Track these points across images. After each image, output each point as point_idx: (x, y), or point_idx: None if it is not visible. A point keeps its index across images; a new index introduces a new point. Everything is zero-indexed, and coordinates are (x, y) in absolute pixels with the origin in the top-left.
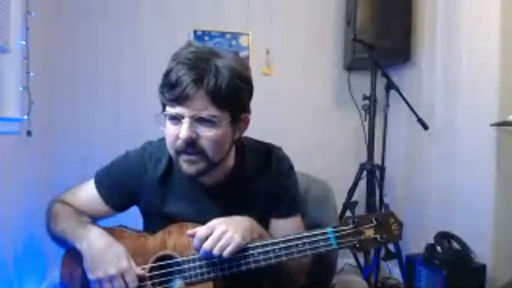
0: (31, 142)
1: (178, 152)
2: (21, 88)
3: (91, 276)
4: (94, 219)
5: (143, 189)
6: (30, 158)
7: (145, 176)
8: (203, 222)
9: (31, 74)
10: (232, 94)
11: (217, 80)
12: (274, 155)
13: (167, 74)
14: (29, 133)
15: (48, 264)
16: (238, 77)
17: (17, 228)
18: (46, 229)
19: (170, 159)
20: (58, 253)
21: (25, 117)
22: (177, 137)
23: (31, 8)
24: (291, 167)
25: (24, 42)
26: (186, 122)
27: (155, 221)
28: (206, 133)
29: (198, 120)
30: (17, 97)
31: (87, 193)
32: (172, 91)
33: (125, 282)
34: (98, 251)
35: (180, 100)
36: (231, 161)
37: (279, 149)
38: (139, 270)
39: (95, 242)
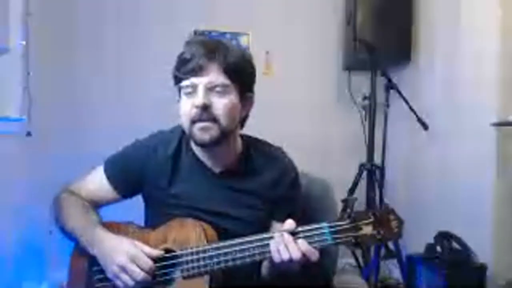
0: (31, 142)
1: (193, 122)
2: (21, 88)
3: (109, 274)
4: (101, 204)
5: (151, 169)
6: (30, 158)
7: (154, 155)
8: (207, 208)
9: (31, 74)
10: (241, 68)
11: (228, 54)
12: (280, 156)
13: (181, 54)
14: (29, 133)
15: (48, 264)
16: (245, 57)
17: (17, 228)
18: (54, 220)
19: (180, 143)
20: (58, 253)
21: (25, 117)
22: (192, 107)
23: (31, 8)
24: (296, 175)
25: (24, 42)
26: (200, 90)
27: (158, 208)
28: (219, 100)
29: (211, 89)
30: (17, 97)
31: (96, 178)
32: (187, 64)
33: (139, 266)
34: (107, 249)
35: (194, 71)
36: (238, 146)
37: (286, 155)
38: (150, 250)
39: (103, 243)
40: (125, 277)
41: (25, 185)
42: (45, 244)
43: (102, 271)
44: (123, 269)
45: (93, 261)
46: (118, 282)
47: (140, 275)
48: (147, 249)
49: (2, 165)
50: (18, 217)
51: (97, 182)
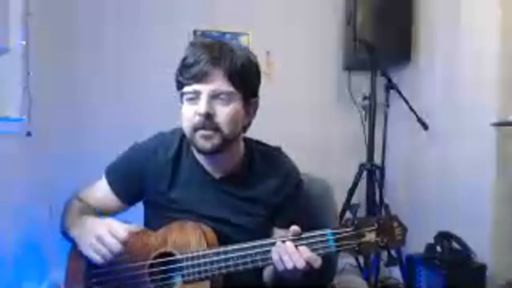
0: (31, 142)
1: (196, 129)
2: (21, 88)
3: (85, 252)
4: (108, 215)
5: (151, 171)
6: (30, 158)
7: (154, 157)
8: (206, 214)
9: (31, 74)
10: (246, 73)
11: (233, 59)
12: (283, 160)
13: (185, 58)
14: (29, 133)
15: (48, 264)
16: (250, 60)
17: (17, 228)
18: (60, 228)
19: (180, 146)
20: (58, 253)
21: (25, 117)
22: (195, 114)
23: (31, 8)
24: (300, 180)
25: (24, 42)
26: (204, 97)
27: (157, 211)
28: (222, 109)
29: (215, 96)
30: (17, 97)
31: (100, 187)
32: (190, 69)
33: (114, 237)
34: (86, 227)
35: (198, 77)
36: (240, 151)
37: (290, 159)
38: (128, 226)
39: (85, 224)
40: (101, 248)
41: (25, 185)
42: (45, 244)
43: (100, 273)
44: (99, 239)
45: (90, 261)
46: (93, 254)
47: (116, 246)
48: (124, 225)
49: (2, 165)
50: (18, 217)
51: (102, 190)
